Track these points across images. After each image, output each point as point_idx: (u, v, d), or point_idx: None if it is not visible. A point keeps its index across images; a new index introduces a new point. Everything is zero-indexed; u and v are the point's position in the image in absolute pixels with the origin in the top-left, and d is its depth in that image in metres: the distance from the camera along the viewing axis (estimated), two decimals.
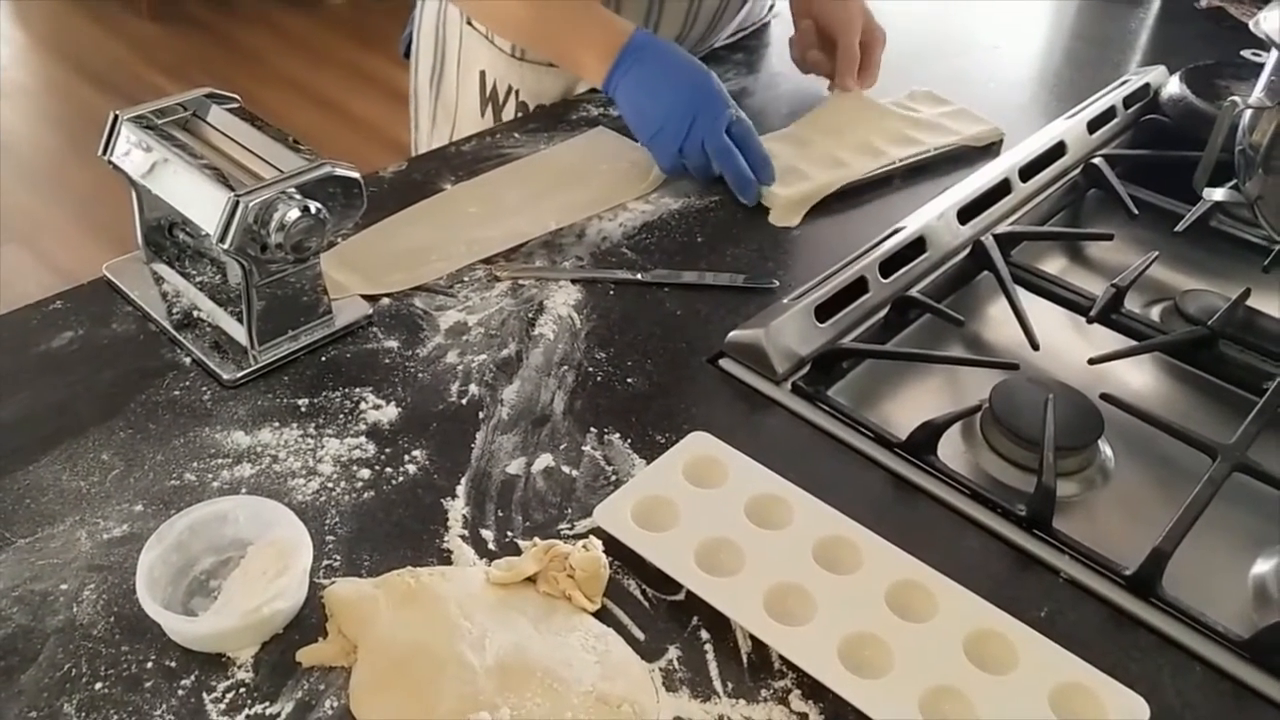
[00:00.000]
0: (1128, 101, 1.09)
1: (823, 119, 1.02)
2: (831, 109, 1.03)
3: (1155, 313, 0.85)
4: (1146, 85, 1.11)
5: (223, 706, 0.51)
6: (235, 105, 0.75)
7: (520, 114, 1.08)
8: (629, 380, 0.72)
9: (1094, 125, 1.04)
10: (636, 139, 0.93)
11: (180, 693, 0.51)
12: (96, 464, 0.63)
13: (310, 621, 0.55)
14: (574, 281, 0.81)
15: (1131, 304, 0.83)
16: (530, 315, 0.77)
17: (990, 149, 1.03)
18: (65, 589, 0.55)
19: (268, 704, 0.51)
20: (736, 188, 0.90)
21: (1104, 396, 0.71)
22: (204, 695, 0.51)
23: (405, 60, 1.20)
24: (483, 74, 1.08)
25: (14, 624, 0.53)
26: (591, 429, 0.68)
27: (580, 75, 0.98)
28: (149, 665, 0.52)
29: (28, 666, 0.52)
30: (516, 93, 1.08)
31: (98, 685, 0.51)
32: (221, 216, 0.64)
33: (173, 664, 0.53)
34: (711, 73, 0.91)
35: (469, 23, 1.07)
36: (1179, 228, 0.90)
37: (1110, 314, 0.82)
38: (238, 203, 0.64)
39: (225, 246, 0.65)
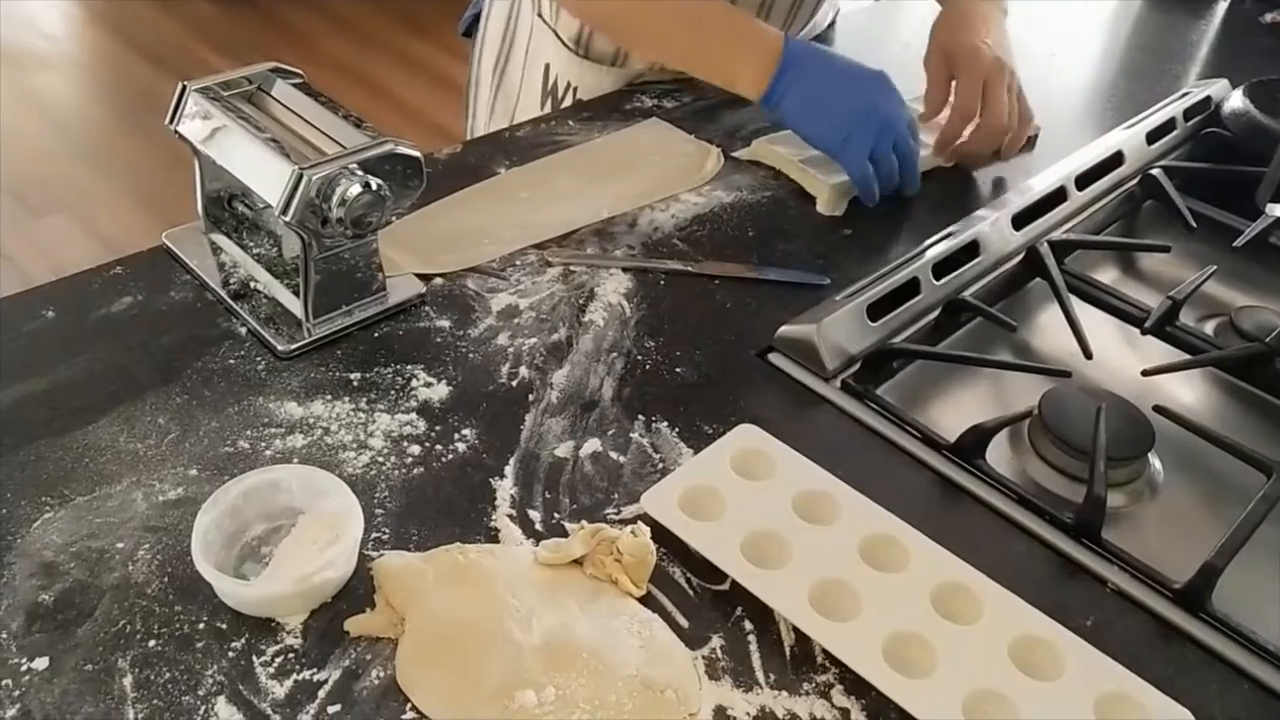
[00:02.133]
0: (1188, 114, 1.07)
1: None
2: None
3: (1210, 328, 0.84)
4: (1208, 98, 1.09)
5: (271, 670, 0.52)
6: (299, 80, 0.76)
7: None
8: (678, 370, 0.73)
9: (1153, 136, 1.03)
10: (819, 148, 0.89)
11: (230, 654, 0.52)
12: (153, 427, 0.64)
13: (358, 592, 0.56)
14: (625, 270, 0.81)
15: (1186, 318, 0.82)
16: (581, 301, 0.78)
17: (1027, 144, 1.03)
18: (121, 548, 0.56)
19: (315, 670, 0.52)
20: (906, 185, 0.91)
21: (1157, 409, 0.71)
22: (254, 658, 0.52)
23: (463, 39, 1.18)
24: (547, 67, 1.07)
25: (72, 579, 0.54)
26: (639, 416, 0.68)
27: (733, 90, 0.91)
28: (200, 626, 0.53)
29: (84, 621, 0.53)
30: (575, 90, 1.07)
31: (151, 643, 0.52)
32: (285, 188, 0.65)
33: (224, 626, 0.53)
34: (883, 71, 0.88)
35: (539, 14, 1.06)
36: (1238, 243, 0.89)
37: (1165, 327, 0.81)
38: (301, 175, 0.65)
39: (287, 218, 0.66)
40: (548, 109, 1.09)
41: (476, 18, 1.16)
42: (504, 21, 1.11)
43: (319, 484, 0.58)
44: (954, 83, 0.95)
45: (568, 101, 1.08)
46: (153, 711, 0.49)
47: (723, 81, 0.92)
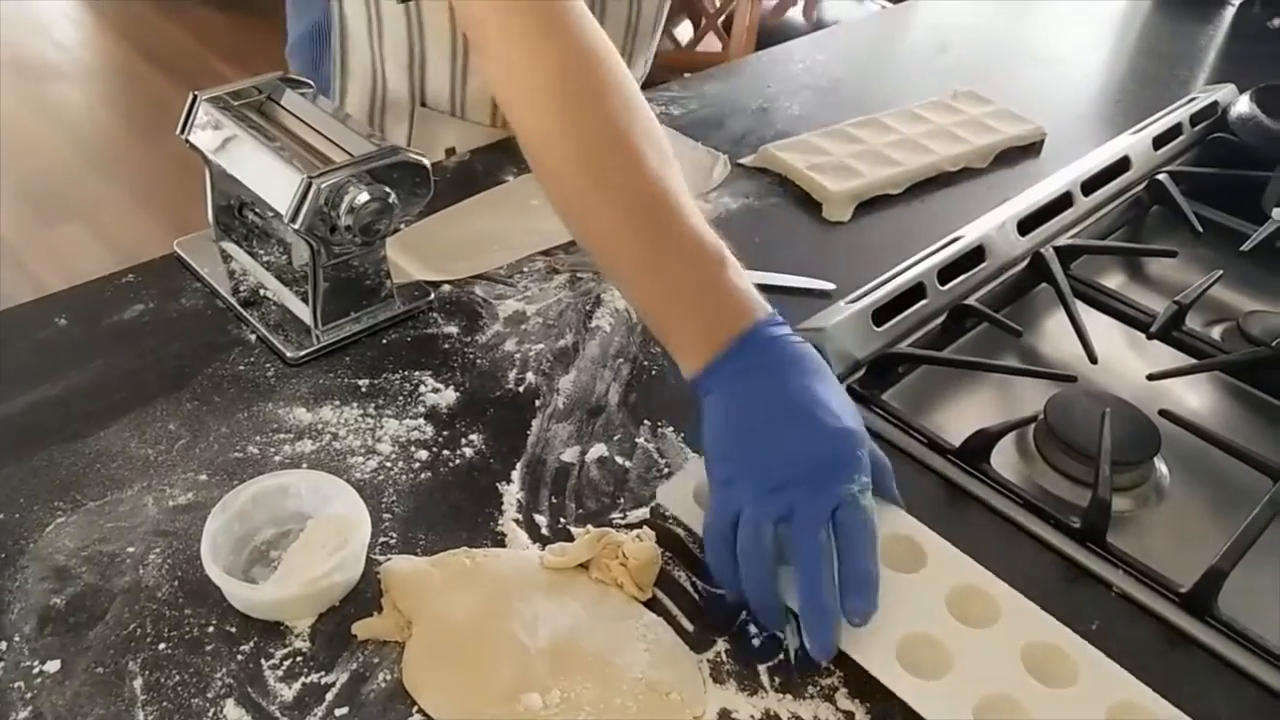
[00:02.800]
0: (1195, 119, 1.07)
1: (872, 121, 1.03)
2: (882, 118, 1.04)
3: (1217, 332, 0.84)
4: (1215, 103, 1.09)
5: (280, 673, 0.52)
6: (308, 90, 0.77)
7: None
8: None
9: (1159, 141, 1.03)
10: (701, 459, 0.60)
11: (239, 657, 0.53)
12: (164, 433, 0.64)
13: (366, 596, 0.56)
14: None
15: (1193, 323, 0.82)
16: (587, 307, 0.78)
17: (1033, 148, 1.04)
18: (132, 552, 0.57)
19: (323, 673, 0.52)
20: (805, 623, 0.54)
21: (1163, 413, 0.71)
22: (262, 661, 0.53)
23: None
24: (450, 152, 0.97)
25: (83, 582, 0.55)
26: (645, 421, 0.69)
27: (668, 349, 0.63)
28: (210, 629, 0.54)
29: (95, 624, 0.53)
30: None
31: (161, 646, 0.53)
32: (294, 197, 0.66)
33: (233, 629, 0.54)
34: (858, 431, 0.58)
35: (423, 103, 0.95)
36: (1244, 247, 0.89)
37: (1171, 331, 0.81)
38: (310, 184, 0.66)
39: (296, 226, 0.66)
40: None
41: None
42: (365, 114, 0.99)
43: (327, 489, 0.59)
44: None
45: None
46: (162, 714, 0.50)
47: (658, 333, 0.64)
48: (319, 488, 0.59)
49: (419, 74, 0.94)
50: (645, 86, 1.08)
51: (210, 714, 0.50)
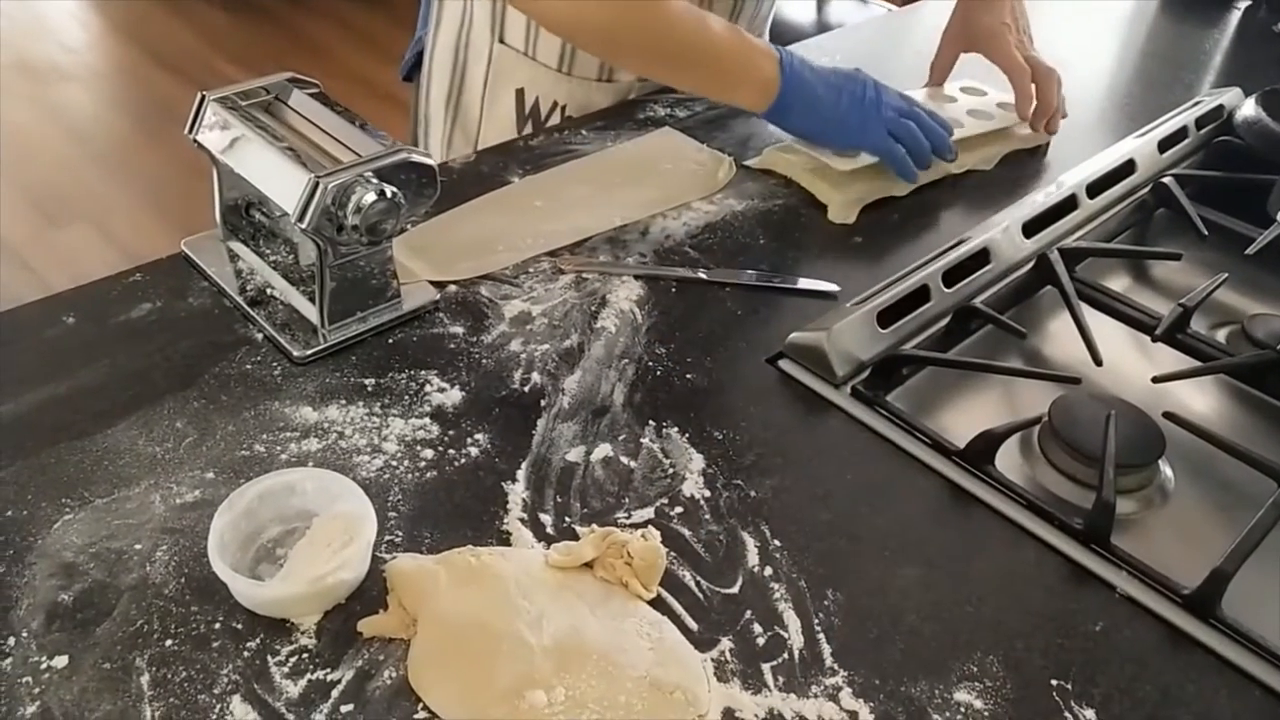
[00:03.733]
0: (1200, 122, 1.07)
1: None
2: None
3: (1222, 335, 0.84)
4: (1220, 106, 1.09)
5: (286, 670, 0.52)
6: (315, 90, 0.77)
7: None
8: (688, 376, 0.73)
9: (1165, 145, 1.03)
10: (840, 147, 0.93)
11: (246, 654, 0.53)
12: (171, 431, 0.64)
13: (372, 594, 0.57)
14: (636, 277, 0.82)
15: (1198, 325, 0.82)
16: (593, 308, 0.78)
17: (1038, 151, 1.05)
18: (139, 549, 0.57)
19: (329, 670, 0.53)
20: (940, 149, 0.94)
21: (1167, 415, 0.71)
22: (268, 658, 0.53)
23: (406, 84, 1.16)
24: (520, 92, 1.05)
25: (91, 579, 0.55)
26: (650, 422, 0.69)
27: (731, 105, 0.96)
28: (216, 626, 0.54)
29: (103, 620, 0.53)
30: (563, 108, 1.05)
31: (168, 642, 0.53)
32: (301, 196, 0.66)
33: (239, 626, 0.54)
34: (858, 68, 0.93)
35: (501, 40, 1.04)
36: (1250, 250, 0.89)
37: (1176, 334, 0.81)
38: (317, 183, 0.66)
39: (303, 226, 0.67)
40: (528, 130, 1.06)
41: (418, 61, 1.13)
42: (451, 54, 1.08)
43: (333, 487, 0.59)
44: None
45: (555, 119, 1.06)
46: (169, 709, 0.50)
47: (719, 99, 0.96)
48: (325, 486, 0.59)
49: (500, 8, 1.02)
50: (651, 88, 1.09)
51: (217, 710, 0.50)
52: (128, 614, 0.54)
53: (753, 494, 0.65)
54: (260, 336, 0.73)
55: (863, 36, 1.32)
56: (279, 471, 0.60)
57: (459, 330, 0.75)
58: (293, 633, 0.54)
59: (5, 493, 0.59)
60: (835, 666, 0.55)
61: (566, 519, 0.62)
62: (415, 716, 0.51)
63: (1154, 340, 0.80)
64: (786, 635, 0.56)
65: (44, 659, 0.51)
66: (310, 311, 0.73)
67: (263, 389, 0.68)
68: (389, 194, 0.68)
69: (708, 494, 0.64)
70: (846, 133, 0.92)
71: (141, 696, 0.50)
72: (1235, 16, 1.41)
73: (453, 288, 0.79)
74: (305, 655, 0.53)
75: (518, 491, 0.63)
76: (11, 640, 0.52)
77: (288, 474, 0.60)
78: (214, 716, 0.50)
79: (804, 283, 0.83)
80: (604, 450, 0.67)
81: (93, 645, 0.52)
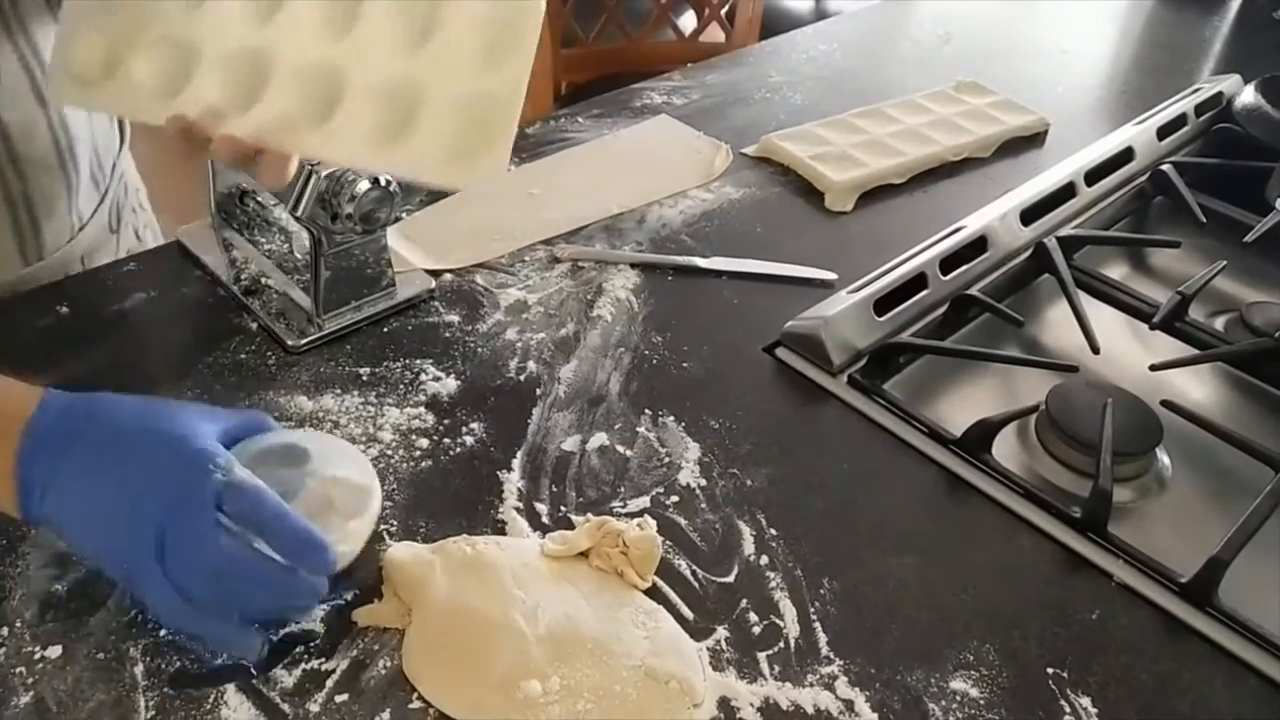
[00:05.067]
0: (1199, 109, 1.07)
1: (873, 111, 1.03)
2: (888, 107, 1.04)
3: (1220, 323, 0.84)
4: (1219, 94, 1.09)
5: (281, 660, 0.52)
6: None
7: None
8: (684, 365, 0.73)
9: (1164, 132, 1.03)
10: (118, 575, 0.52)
11: None
12: None
13: (367, 583, 0.56)
14: (633, 265, 0.82)
15: (1196, 313, 0.82)
16: (589, 297, 0.78)
17: (1036, 138, 1.04)
18: None
19: (324, 660, 0.52)
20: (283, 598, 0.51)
21: (1165, 403, 0.71)
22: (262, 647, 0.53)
23: None
24: None
25: (84, 569, 0.55)
26: (646, 411, 0.69)
27: None
28: None
29: (96, 610, 0.53)
30: None
31: (161, 632, 0.53)
32: (295, 185, 0.66)
33: None
34: (194, 422, 0.52)
35: None
36: (1248, 238, 0.89)
37: (1174, 322, 0.81)
38: (311, 172, 0.65)
39: (298, 214, 0.66)
40: None
41: None
42: None
43: (334, 451, 0.57)
44: None
45: None
46: (164, 699, 0.50)
47: None
48: (326, 449, 0.57)
49: None
50: (647, 76, 1.08)
51: (211, 699, 0.50)
52: (121, 604, 0.54)
53: (749, 483, 0.64)
54: (255, 325, 0.72)
55: (861, 25, 1.31)
56: (280, 431, 0.58)
57: (454, 319, 0.75)
58: (287, 623, 0.54)
59: None
60: (831, 655, 0.55)
61: (562, 508, 0.62)
62: (410, 706, 0.51)
63: (1152, 328, 0.80)
64: (782, 624, 0.56)
65: (38, 649, 0.51)
66: (305, 300, 0.73)
67: (257, 378, 0.68)
68: (383, 182, 0.67)
69: (704, 483, 0.64)
70: (123, 555, 0.49)
71: (135, 686, 0.50)
72: (1235, 3, 1.41)
73: (448, 276, 0.79)
74: (300, 645, 0.53)
75: (513, 481, 0.63)
76: (5, 630, 0.52)
77: (289, 434, 0.58)
78: (208, 706, 0.50)
79: (800, 270, 0.83)
80: (600, 439, 0.66)
81: (86, 635, 0.52)
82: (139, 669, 0.51)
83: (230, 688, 0.51)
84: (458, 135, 0.56)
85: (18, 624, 0.52)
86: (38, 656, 0.51)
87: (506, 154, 0.56)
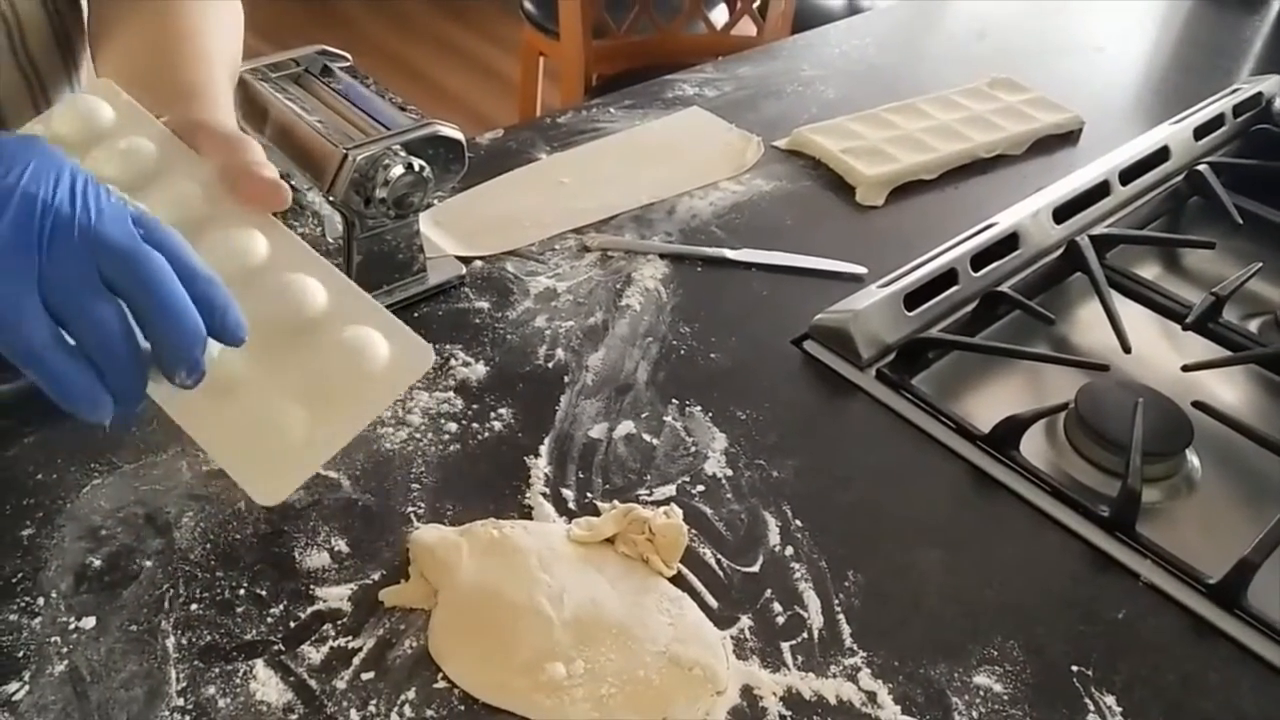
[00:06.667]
0: (1238, 110, 1.06)
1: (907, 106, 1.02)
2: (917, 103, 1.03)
3: (1254, 325, 0.83)
4: (1259, 94, 1.08)
5: (309, 637, 0.53)
6: (346, 64, 0.77)
7: None
8: (712, 355, 0.73)
9: (1201, 132, 1.02)
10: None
11: (269, 620, 0.53)
12: None
13: (394, 564, 0.57)
14: (662, 256, 0.82)
15: (1230, 315, 0.81)
16: (618, 286, 0.78)
17: (1070, 136, 1.03)
18: (167, 514, 0.58)
19: (350, 638, 0.53)
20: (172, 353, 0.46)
21: (1196, 404, 0.70)
22: (291, 624, 0.53)
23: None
24: None
25: (118, 542, 0.56)
26: (673, 400, 0.69)
27: None
28: (241, 592, 0.54)
29: (129, 583, 0.54)
30: None
31: (193, 606, 0.53)
32: (330, 169, 0.66)
33: (263, 593, 0.55)
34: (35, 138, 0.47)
35: None
36: None
37: (1207, 323, 0.80)
38: (346, 156, 0.66)
39: (332, 198, 0.67)
40: None
41: None
42: None
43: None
44: None
45: None
46: (194, 672, 0.51)
47: None
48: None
49: None
50: (678, 69, 1.08)
51: (241, 674, 0.51)
52: (154, 578, 0.54)
53: (775, 474, 0.64)
54: None
55: (894, 20, 1.31)
56: None
57: (484, 305, 0.75)
58: (315, 601, 0.55)
59: (35, 456, 0.60)
60: (855, 647, 0.55)
61: (588, 494, 0.62)
62: (435, 685, 0.51)
63: (1184, 329, 0.80)
64: (806, 615, 0.56)
65: (72, 620, 0.52)
66: None
67: None
68: (417, 167, 0.68)
69: (730, 473, 0.64)
70: None
71: (167, 659, 0.51)
72: (1276, 4, 1.39)
73: (479, 263, 0.79)
74: (328, 623, 0.54)
75: (540, 466, 0.63)
76: (41, 600, 0.53)
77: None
78: (238, 680, 0.50)
79: (830, 264, 0.82)
80: (627, 427, 0.67)
81: (120, 608, 0.53)
82: (170, 642, 0.52)
83: (259, 662, 0.51)
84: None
85: (53, 594, 0.53)
86: (72, 627, 0.52)
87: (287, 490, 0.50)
